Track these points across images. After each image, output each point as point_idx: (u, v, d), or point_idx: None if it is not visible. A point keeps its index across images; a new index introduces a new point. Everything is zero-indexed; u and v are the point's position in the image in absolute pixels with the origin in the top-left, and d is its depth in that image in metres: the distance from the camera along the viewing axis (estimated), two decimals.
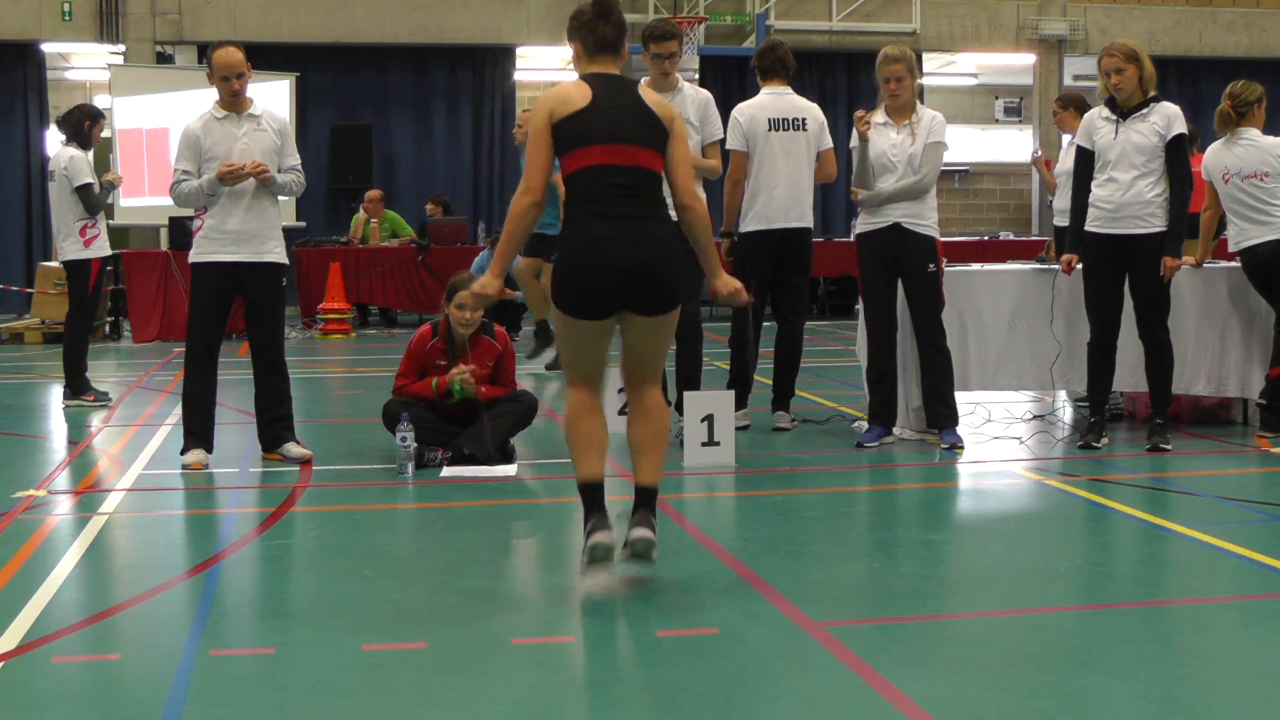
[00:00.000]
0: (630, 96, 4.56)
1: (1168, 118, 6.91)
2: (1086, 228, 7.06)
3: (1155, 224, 6.90)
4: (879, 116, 7.28)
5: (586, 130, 4.46)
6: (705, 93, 7.44)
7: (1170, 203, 6.89)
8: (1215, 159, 7.61)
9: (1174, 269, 6.94)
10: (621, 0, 17.95)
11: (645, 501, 4.51)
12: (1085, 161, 7.09)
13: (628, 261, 4.42)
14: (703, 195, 7.27)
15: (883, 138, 7.21)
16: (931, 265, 7.15)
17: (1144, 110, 6.93)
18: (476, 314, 6.65)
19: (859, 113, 7.35)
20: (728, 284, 4.79)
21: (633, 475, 4.59)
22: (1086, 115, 7.20)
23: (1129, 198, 6.91)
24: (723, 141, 7.44)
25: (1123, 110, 6.96)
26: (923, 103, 7.46)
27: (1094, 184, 7.04)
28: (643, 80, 7.35)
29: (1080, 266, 7.16)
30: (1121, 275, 7.04)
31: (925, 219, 7.16)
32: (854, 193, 7.32)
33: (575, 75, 4.71)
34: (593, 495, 4.48)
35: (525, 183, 4.47)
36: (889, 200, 7.16)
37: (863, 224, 7.30)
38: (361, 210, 16.14)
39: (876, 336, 7.27)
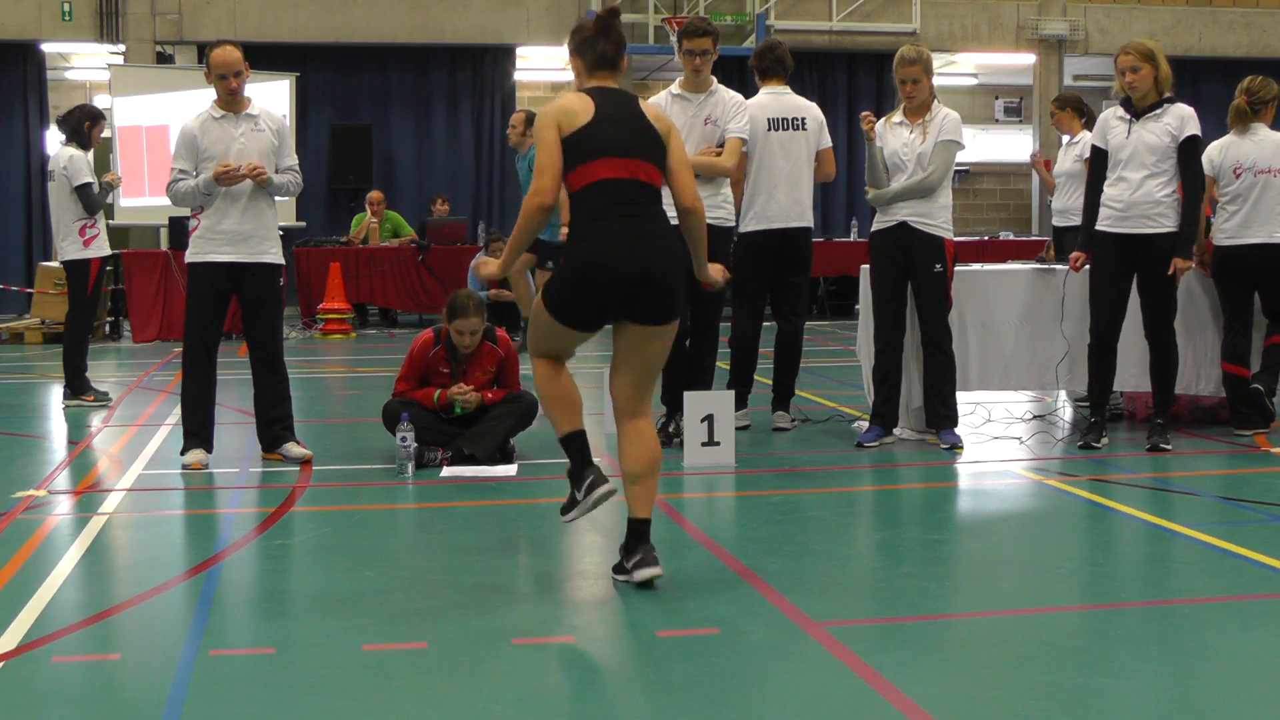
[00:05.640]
0: (631, 110, 4.60)
1: (1181, 119, 6.89)
2: (1097, 227, 7.05)
3: (1165, 224, 6.88)
4: (897, 116, 7.29)
5: (592, 145, 4.48)
6: (740, 96, 7.30)
7: (1183, 204, 6.88)
8: (1228, 153, 7.55)
9: (1184, 271, 6.93)
10: (621, 1, 18.04)
11: (645, 536, 4.54)
12: (1099, 160, 7.08)
13: (634, 268, 4.44)
14: (731, 197, 7.29)
15: (896, 137, 7.21)
16: (938, 265, 7.12)
17: (1158, 111, 6.91)
18: (476, 336, 6.74)
19: (865, 114, 7.34)
20: (712, 270, 4.96)
21: (629, 507, 4.56)
22: (1102, 114, 7.19)
23: (1138, 197, 6.89)
24: (744, 142, 7.21)
25: (1136, 110, 6.95)
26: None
27: (1106, 183, 7.02)
28: (675, 83, 7.34)
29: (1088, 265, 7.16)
30: (1129, 275, 7.03)
31: (934, 218, 7.13)
32: (867, 191, 7.34)
33: (574, 81, 4.75)
34: (582, 446, 4.56)
35: (536, 184, 4.49)
36: (895, 199, 7.15)
37: (875, 223, 7.31)
38: (368, 211, 16.13)
39: (882, 336, 7.26)
